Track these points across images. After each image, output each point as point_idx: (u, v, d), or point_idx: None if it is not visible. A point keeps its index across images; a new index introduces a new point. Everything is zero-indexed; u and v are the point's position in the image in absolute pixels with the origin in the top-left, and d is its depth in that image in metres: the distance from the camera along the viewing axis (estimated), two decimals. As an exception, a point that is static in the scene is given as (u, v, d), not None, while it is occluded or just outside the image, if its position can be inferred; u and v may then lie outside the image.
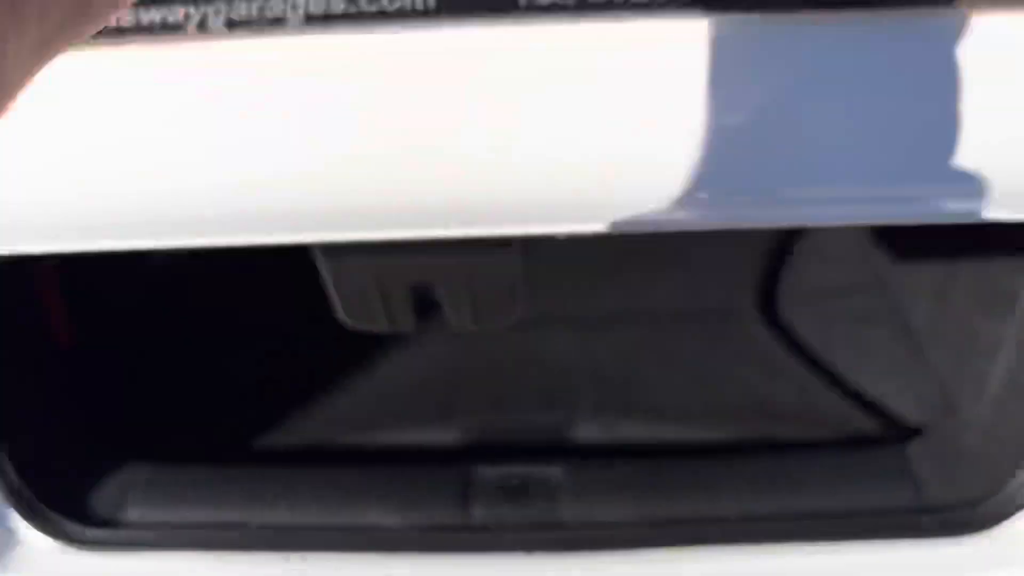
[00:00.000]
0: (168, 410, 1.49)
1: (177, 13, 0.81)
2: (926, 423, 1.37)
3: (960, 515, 1.14)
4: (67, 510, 1.20)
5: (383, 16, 0.81)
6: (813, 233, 1.91)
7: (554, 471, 1.23)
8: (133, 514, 1.21)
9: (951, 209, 0.90)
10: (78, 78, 0.82)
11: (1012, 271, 1.25)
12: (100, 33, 0.48)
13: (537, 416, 1.47)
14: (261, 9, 0.81)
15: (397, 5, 0.80)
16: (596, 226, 0.90)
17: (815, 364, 1.57)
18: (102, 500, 1.23)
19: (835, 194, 0.90)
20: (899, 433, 1.37)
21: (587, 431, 1.43)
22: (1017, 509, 1.12)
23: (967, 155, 0.86)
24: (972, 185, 0.88)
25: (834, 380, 1.52)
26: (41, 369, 1.31)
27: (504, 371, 1.58)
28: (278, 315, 1.75)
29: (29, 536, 1.18)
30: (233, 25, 0.81)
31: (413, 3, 0.80)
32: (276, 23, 0.81)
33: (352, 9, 0.81)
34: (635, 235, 0.90)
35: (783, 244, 1.88)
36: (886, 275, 1.76)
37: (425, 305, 1.04)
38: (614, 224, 0.90)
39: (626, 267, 1.85)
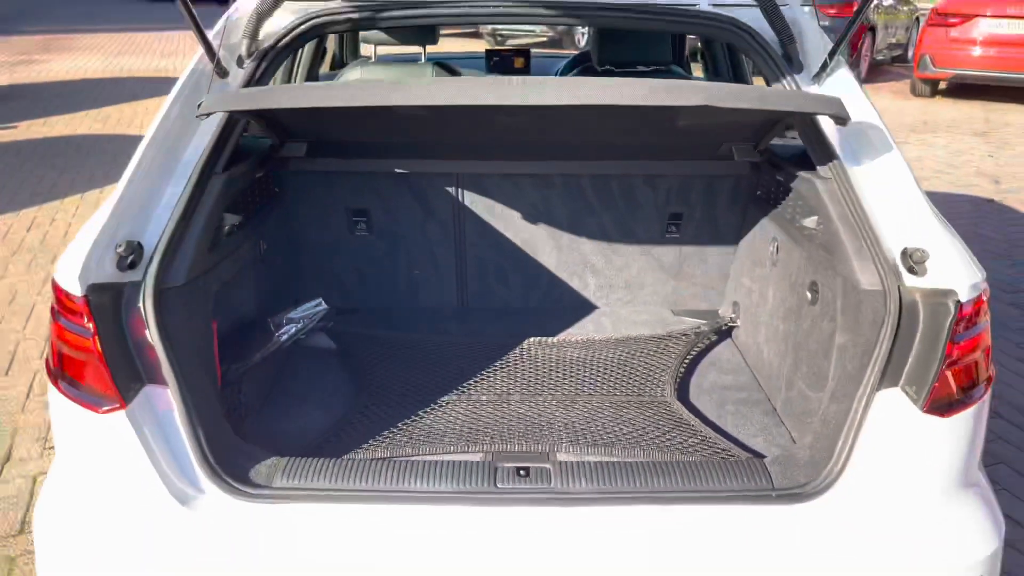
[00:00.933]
0: (299, 424, 2.25)
1: None
2: (778, 452, 2.16)
3: (793, 492, 1.90)
4: (237, 478, 1.88)
5: None
6: (712, 349, 2.80)
7: (548, 465, 1.96)
8: (278, 482, 1.90)
9: None
10: None
11: (828, 362, 2.09)
12: None
13: (532, 446, 2.22)
14: None
15: None
16: None
17: (712, 426, 2.36)
18: (259, 474, 1.92)
19: None
20: (761, 456, 2.15)
21: (564, 457, 2.17)
22: (826, 489, 1.89)
23: None
24: None
25: (724, 435, 2.31)
26: (217, 398, 2.04)
27: (509, 427, 2.34)
28: (355, 380, 2.54)
29: (213, 492, 1.86)
30: None
31: None
32: None
33: None
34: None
35: (697, 356, 2.74)
36: (758, 378, 2.62)
37: None
38: None
39: (592, 368, 2.68)
